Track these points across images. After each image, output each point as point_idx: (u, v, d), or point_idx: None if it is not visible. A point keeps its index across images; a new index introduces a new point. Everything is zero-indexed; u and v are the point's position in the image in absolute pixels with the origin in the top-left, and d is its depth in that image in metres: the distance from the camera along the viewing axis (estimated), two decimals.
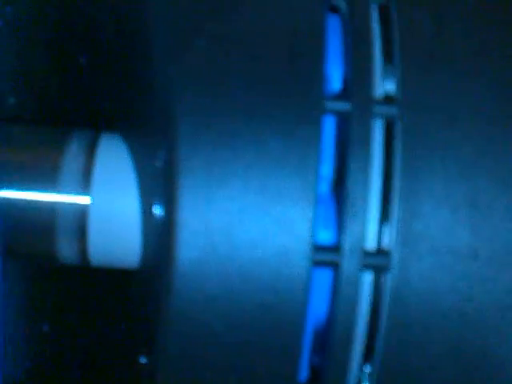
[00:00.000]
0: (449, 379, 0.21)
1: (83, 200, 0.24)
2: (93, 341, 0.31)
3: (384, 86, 0.21)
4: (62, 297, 0.31)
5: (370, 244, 0.21)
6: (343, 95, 0.21)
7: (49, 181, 0.24)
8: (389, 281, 0.20)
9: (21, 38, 0.30)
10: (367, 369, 0.22)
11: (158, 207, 0.22)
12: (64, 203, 0.24)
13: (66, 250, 0.24)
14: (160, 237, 0.21)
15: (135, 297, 0.26)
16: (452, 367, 0.21)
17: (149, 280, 0.23)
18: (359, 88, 0.20)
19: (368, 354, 0.21)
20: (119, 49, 0.25)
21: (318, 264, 0.20)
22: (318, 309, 0.21)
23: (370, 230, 0.21)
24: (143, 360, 0.24)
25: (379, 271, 0.21)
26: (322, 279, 0.21)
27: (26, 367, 0.32)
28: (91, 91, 0.29)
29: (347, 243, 0.20)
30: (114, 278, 0.27)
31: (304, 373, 0.22)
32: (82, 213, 0.24)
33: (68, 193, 0.24)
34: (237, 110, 0.20)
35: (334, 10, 0.22)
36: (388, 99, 0.21)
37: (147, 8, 0.22)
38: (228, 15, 0.21)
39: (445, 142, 0.20)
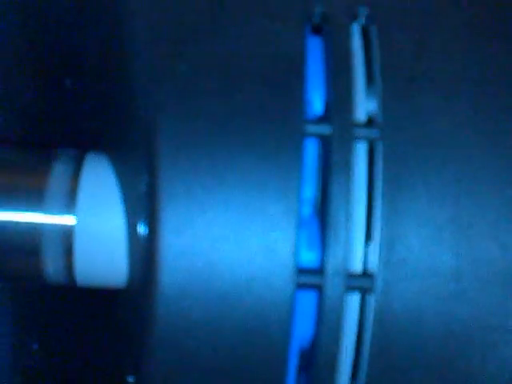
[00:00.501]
0: None
1: (68, 220, 0.24)
2: (82, 359, 0.31)
3: (366, 107, 0.21)
4: (52, 316, 0.31)
5: (354, 266, 0.21)
6: (324, 118, 0.21)
7: (34, 201, 0.24)
8: (372, 303, 0.20)
9: (7, 59, 0.30)
10: None
11: (143, 227, 0.21)
12: (49, 224, 0.24)
13: (52, 271, 0.24)
14: (144, 259, 0.21)
15: (122, 316, 0.26)
16: None
17: (135, 300, 0.23)
18: (340, 111, 0.20)
19: (353, 377, 0.21)
20: (103, 72, 0.25)
21: (301, 287, 0.20)
22: (302, 331, 0.21)
23: (353, 252, 0.21)
24: (131, 379, 0.24)
25: (363, 293, 0.21)
26: (306, 302, 0.21)
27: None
28: (76, 112, 0.29)
29: (330, 265, 0.20)
30: (103, 297, 0.27)
31: None
32: (67, 233, 0.24)
33: (53, 213, 0.24)
34: (217, 135, 0.20)
35: (317, 30, 0.22)
36: (369, 122, 0.21)
37: (130, 32, 0.22)
38: (209, 40, 0.21)
39: (426, 163, 0.20)
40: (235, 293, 0.20)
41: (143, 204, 0.21)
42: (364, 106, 0.21)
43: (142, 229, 0.22)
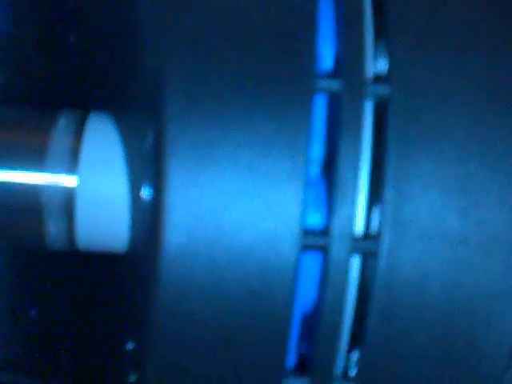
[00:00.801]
0: (436, 367, 0.21)
1: (70, 181, 0.23)
2: (81, 325, 0.31)
3: (376, 65, 0.21)
4: (50, 282, 0.31)
5: (360, 228, 0.20)
6: (335, 74, 0.21)
7: (35, 161, 0.24)
8: (377, 266, 0.20)
9: (8, 16, 0.29)
10: (355, 355, 0.21)
11: (147, 190, 0.21)
12: (50, 184, 0.23)
13: (52, 233, 0.24)
14: (148, 220, 0.21)
15: (123, 282, 0.26)
16: (439, 355, 0.21)
17: (137, 265, 0.23)
18: (351, 67, 0.20)
19: (356, 341, 0.21)
20: (108, 27, 0.25)
21: (306, 248, 0.20)
22: (306, 295, 0.21)
23: (359, 213, 0.20)
24: (130, 345, 0.23)
25: (368, 256, 0.20)
26: (311, 264, 0.21)
27: (15, 351, 0.31)
28: (80, 71, 0.28)
29: (336, 227, 0.20)
30: (103, 262, 0.27)
31: (292, 359, 0.22)
32: (68, 194, 0.23)
33: (55, 173, 0.23)
34: (226, 90, 0.20)
35: None
36: (379, 79, 0.20)
37: None
38: None
39: (437, 123, 0.20)
40: (240, 253, 0.20)
41: (148, 163, 0.21)
42: (374, 63, 0.21)
43: (145, 190, 0.21)
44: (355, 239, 0.20)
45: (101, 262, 0.27)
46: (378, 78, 0.21)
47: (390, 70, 0.20)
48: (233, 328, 0.20)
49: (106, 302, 0.29)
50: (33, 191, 0.23)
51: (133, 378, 0.23)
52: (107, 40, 0.25)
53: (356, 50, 0.20)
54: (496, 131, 0.20)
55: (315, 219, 0.21)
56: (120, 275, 0.26)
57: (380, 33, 0.21)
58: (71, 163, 0.23)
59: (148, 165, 0.21)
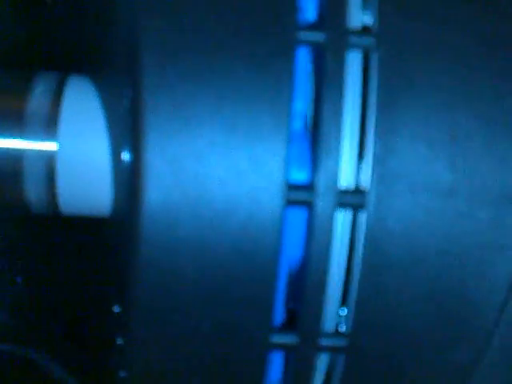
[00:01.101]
0: (426, 322, 0.21)
1: (50, 146, 0.23)
2: (67, 292, 0.30)
3: (361, 17, 0.20)
4: (35, 248, 0.31)
5: (345, 182, 0.20)
6: (317, 25, 0.20)
7: (13, 126, 0.23)
8: (364, 220, 0.20)
9: None
10: (343, 312, 0.21)
11: (127, 152, 0.21)
12: (30, 149, 0.23)
13: (35, 198, 0.23)
14: (129, 181, 0.20)
15: (107, 245, 0.26)
16: (429, 309, 0.20)
17: (120, 227, 0.22)
18: (334, 18, 0.19)
19: (344, 297, 0.21)
20: None
21: (291, 203, 0.20)
22: (292, 251, 0.21)
23: (345, 167, 0.20)
24: (117, 309, 0.23)
25: (354, 210, 0.20)
26: (296, 220, 0.20)
27: (2, 320, 0.31)
28: (58, 33, 0.27)
29: (321, 181, 0.19)
30: (87, 228, 0.27)
31: (279, 317, 0.22)
32: (49, 159, 0.23)
33: (34, 139, 0.23)
34: (204, 42, 0.19)
35: None
36: (364, 30, 0.20)
37: None
38: None
39: (423, 73, 0.19)
40: (223, 209, 0.19)
41: (126, 121, 0.20)
42: (359, 14, 0.20)
43: (126, 151, 0.21)
44: (340, 193, 0.20)
45: (85, 227, 0.26)
46: (364, 29, 0.20)
47: (375, 21, 0.20)
48: (218, 285, 0.20)
49: (92, 267, 0.29)
50: (13, 157, 0.23)
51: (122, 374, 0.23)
52: (82, 1, 0.25)
53: (339, 0, 0.19)
54: (483, 80, 0.20)
55: (300, 174, 0.20)
56: (105, 239, 0.26)
57: None
58: (50, 127, 0.23)
59: (126, 123, 0.20)
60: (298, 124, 0.21)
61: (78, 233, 0.29)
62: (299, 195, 0.20)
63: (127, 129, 0.20)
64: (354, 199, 0.20)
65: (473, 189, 0.20)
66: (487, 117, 0.20)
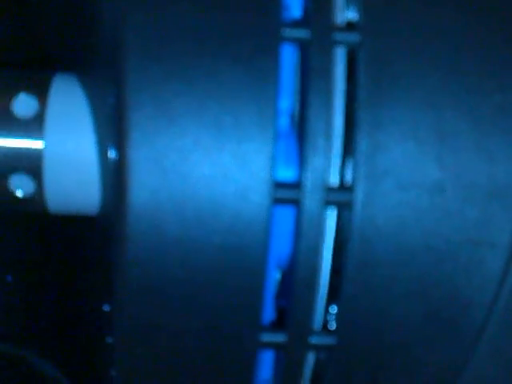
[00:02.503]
0: (415, 319, 0.20)
1: (37, 144, 0.23)
2: (57, 291, 0.30)
3: (347, 14, 0.20)
4: (25, 246, 0.30)
5: (333, 180, 0.20)
6: (303, 22, 0.20)
7: (0, 125, 0.23)
8: (352, 218, 0.19)
9: None
10: (333, 309, 0.21)
11: (113, 150, 0.20)
12: (17, 148, 0.23)
13: (22, 197, 0.23)
14: (115, 179, 0.20)
15: (97, 244, 0.25)
16: (418, 307, 0.20)
17: (107, 226, 0.22)
18: (319, 14, 0.19)
19: (334, 295, 0.21)
20: None
21: (278, 202, 0.19)
22: (281, 249, 0.21)
23: (332, 165, 0.20)
24: (106, 308, 0.23)
25: (342, 208, 0.20)
26: (285, 218, 0.20)
27: None
28: (43, 30, 0.27)
29: (309, 179, 0.19)
30: (77, 226, 0.27)
31: (269, 315, 0.22)
32: (36, 157, 0.23)
33: (21, 137, 0.23)
34: (189, 40, 0.19)
35: None
36: (350, 26, 0.20)
37: None
38: None
39: (410, 70, 0.19)
40: (209, 208, 0.19)
41: (111, 119, 0.20)
42: (345, 11, 0.20)
43: (112, 149, 0.21)
44: (328, 191, 0.19)
45: (76, 225, 0.26)
46: (349, 26, 0.20)
47: (360, 17, 0.20)
48: (205, 284, 0.20)
49: (83, 265, 0.29)
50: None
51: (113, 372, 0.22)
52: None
53: None
54: (470, 76, 0.20)
55: (287, 172, 0.20)
56: (94, 238, 0.26)
57: None
58: (37, 126, 0.23)
59: (112, 121, 0.20)
60: (284, 121, 0.21)
61: (68, 231, 0.28)
62: (286, 193, 0.19)
63: (113, 127, 0.20)
64: (341, 197, 0.20)
65: (461, 186, 0.19)
66: (475, 113, 0.19)
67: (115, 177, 0.20)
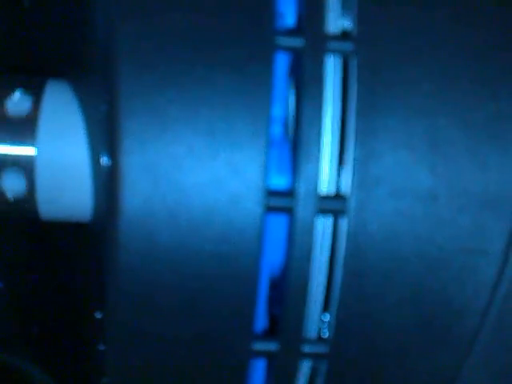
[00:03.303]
0: (408, 327, 0.20)
1: (29, 151, 0.23)
2: (50, 296, 0.30)
3: (340, 22, 0.20)
4: (17, 253, 0.30)
5: (326, 188, 0.20)
6: (296, 30, 0.20)
7: None
8: (345, 226, 0.19)
9: None
10: (326, 317, 0.21)
11: (105, 157, 0.20)
12: (9, 154, 0.23)
13: (14, 203, 0.23)
14: (107, 186, 0.20)
15: (89, 251, 0.25)
16: (411, 315, 0.20)
17: (99, 233, 0.22)
18: (313, 23, 0.19)
19: (326, 303, 0.21)
20: None
21: (271, 210, 0.19)
22: (273, 257, 0.21)
23: (325, 173, 0.20)
24: (98, 315, 0.23)
25: (335, 216, 0.20)
26: (277, 226, 0.20)
27: None
28: (36, 36, 0.27)
29: (302, 187, 0.19)
30: (69, 231, 0.26)
31: (262, 323, 0.21)
32: (28, 164, 0.23)
33: (13, 143, 0.23)
34: (182, 47, 0.19)
35: None
36: (344, 35, 0.20)
37: None
38: None
39: (403, 78, 0.19)
40: (202, 215, 0.19)
41: (104, 126, 0.20)
42: (338, 20, 0.20)
43: (104, 156, 0.20)
44: (321, 199, 0.19)
45: (68, 231, 0.26)
46: (343, 34, 0.20)
47: (354, 25, 0.20)
48: (198, 291, 0.20)
49: (75, 272, 0.29)
50: None
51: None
52: (60, 4, 0.24)
53: (318, 6, 0.19)
54: (463, 84, 0.20)
55: (280, 180, 0.20)
56: (86, 245, 0.26)
57: None
58: (30, 132, 0.23)
59: (104, 128, 0.20)
60: (277, 129, 0.21)
61: (60, 238, 0.28)
62: (279, 201, 0.19)
63: (105, 134, 0.20)
64: (334, 205, 0.20)
65: (454, 193, 0.19)
66: (468, 121, 0.19)
67: (108, 184, 0.20)
